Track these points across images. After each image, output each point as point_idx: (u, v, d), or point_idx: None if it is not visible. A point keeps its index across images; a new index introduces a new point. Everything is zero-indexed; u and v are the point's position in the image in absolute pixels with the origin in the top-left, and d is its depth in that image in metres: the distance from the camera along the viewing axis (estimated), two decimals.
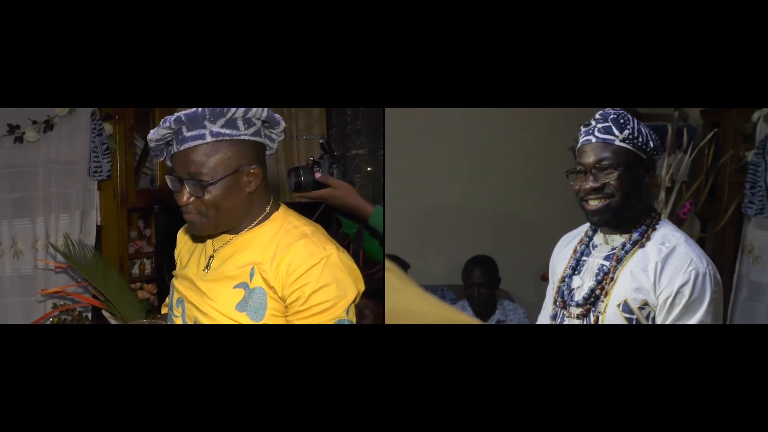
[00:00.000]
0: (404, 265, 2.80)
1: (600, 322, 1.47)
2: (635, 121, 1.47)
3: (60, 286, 2.71)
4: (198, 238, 1.43)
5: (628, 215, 1.49)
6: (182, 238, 1.52)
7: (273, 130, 1.35)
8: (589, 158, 1.47)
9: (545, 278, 1.73)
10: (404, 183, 3.15)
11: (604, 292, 1.48)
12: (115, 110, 2.79)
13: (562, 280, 1.58)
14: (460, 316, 0.87)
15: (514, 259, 3.08)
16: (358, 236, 1.81)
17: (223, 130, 1.25)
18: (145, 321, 1.50)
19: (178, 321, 1.39)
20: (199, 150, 1.25)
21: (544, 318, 1.68)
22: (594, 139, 1.47)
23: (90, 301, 2.69)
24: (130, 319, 2.58)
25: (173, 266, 1.51)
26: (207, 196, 1.26)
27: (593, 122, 1.48)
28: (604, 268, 1.50)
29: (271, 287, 1.27)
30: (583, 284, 1.54)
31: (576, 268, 1.57)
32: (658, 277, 1.42)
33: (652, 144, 1.47)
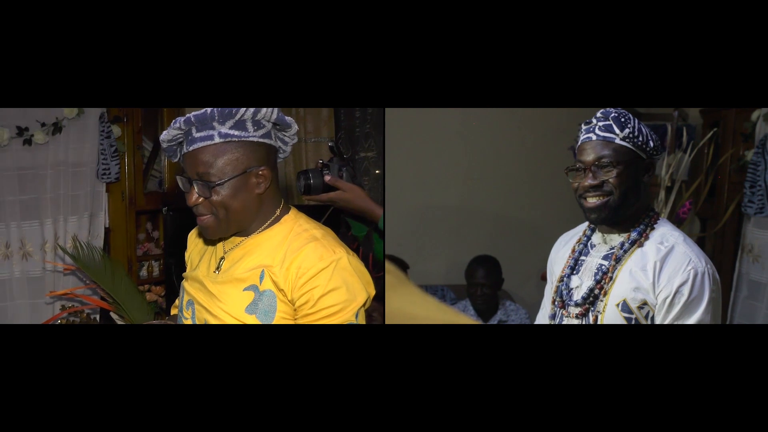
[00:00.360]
0: (404, 265, 2.81)
1: (599, 322, 1.47)
2: (636, 121, 1.48)
3: (68, 288, 2.72)
4: (208, 240, 1.43)
5: (626, 214, 1.49)
6: (193, 240, 1.52)
7: (285, 133, 1.35)
8: (589, 156, 1.47)
9: (545, 278, 1.73)
10: (404, 183, 3.15)
11: (603, 292, 1.48)
12: (124, 113, 2.80)
13: (561, 280, 1.58)
14: (460, 318, 0.87)
15: (513, 259, 3.08)
16: (367, 239, 1.80)
17: (231, 132, 1.26)
18: (155, 322, 1.51)
19: (188, 323, 1.39)
20: (207, 151, 1.26)
21: (542, 318, 1.68)
22: (594, 137, 1.47)
23: (98, 303, 2.70)
24: (138, 322, 2.59)
25: (182, 268, 1.51)
26: (215, 197, 1.27)
27: (594, 120, 1.49)
28: (603, 267, 1.50)
29: (281, 290, 1.27)
30: (581, 284, 1.54)
31: (574, 267, 1.57)
32: (657, 276, 1.42)
33: (651, 144, 1.48)
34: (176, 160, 1.37)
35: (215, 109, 1.26)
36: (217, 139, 1.26)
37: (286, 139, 1.37)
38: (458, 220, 3.34)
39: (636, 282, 1.44)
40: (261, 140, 1.29)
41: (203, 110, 1.26)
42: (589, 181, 1.47)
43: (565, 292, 1.56)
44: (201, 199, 1.29)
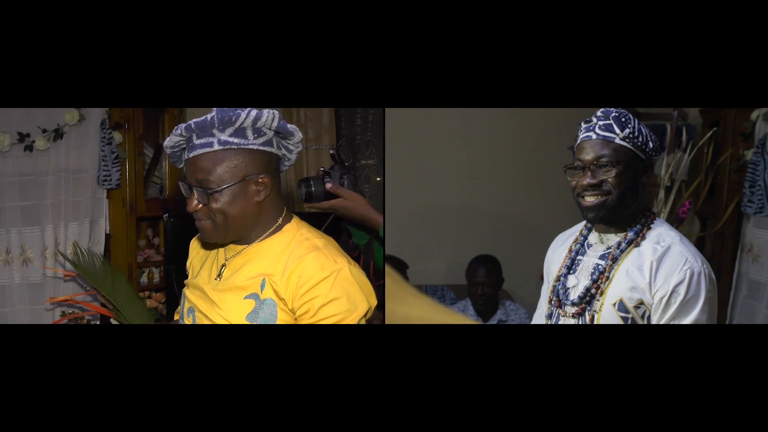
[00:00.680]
0: (403, 266, 2.81)
1: (595, 322, 1.47)
2: (636, 121, 1.48)
3: (69, 294, 2.73)
4: (210, 246, 1.43)
5: (624, 214, 1.49)
6: (195, 248, 1.52)
7: (288, 141, 1.35)
8: (589, 154, 1.47)
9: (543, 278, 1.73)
10: (404, 183, 3.16)
11: (599, 291, 1.48)
12: (125, 119, 2.81)
13: (557, 280, 1.58)
14: (456, 318, 0.87)
15: (513, 259, 3.08)
16: (368, 247, 1.79)
17: (231, 139, 1.26)
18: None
19: None
20: (206, 158, 1.26)
21: (539, 317, 1.68)
22: (594, 136, 1.47)
23: (98, 310, 2.70)
24: None
25: (183, 275, 1.51)
26: (214, 204, 1.27)
27: (594, 119, 1.49)
28: (600, 267, 1.50)
29: (282, 299, 1.26)
30: (578, 283, 1.53)
31: (571, 267, 1.57)
32: (654, 276, 1.42)
33: (651, 145, 1.48)
34: (181, 165, 1.37)
35: (215, 116, 1.26)
36: (216, 146, 1.26)
37: (291, 147, 1.36)
38: (458, 220, 3.35)
39: (632, 282, 1.44)
40: (261, 148, 1.29)
41: (203, 117, 1.26)
42: (587, 180, 1.47)
43: (561, 292, 1.56)
44: (200, 206, 1.29)
